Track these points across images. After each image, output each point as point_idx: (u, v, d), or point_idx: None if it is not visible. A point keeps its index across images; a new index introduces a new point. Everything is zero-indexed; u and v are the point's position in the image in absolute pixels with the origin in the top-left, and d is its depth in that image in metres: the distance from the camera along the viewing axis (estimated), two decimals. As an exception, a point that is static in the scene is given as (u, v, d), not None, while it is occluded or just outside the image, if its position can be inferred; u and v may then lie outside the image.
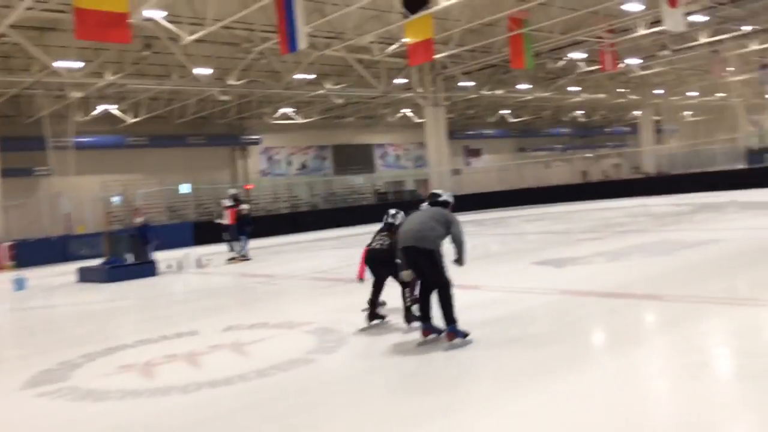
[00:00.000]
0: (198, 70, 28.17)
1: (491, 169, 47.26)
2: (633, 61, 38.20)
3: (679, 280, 9.26)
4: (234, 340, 7.78)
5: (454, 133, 46.36)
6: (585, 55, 35.90)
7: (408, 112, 46.18)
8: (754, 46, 35.68)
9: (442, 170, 37.15)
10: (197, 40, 23.76)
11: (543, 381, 5.30)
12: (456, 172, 41.42)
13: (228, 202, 19.18)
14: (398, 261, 6.98)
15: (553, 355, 5.99)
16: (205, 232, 27.31)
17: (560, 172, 48.39)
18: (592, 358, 6.02)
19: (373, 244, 7.62)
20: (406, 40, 24.24)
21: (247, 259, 18.63)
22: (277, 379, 5.99)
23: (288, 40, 19.10)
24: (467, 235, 7.08)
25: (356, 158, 46.62)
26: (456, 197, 7.75)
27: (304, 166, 44.70)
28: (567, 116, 57.64)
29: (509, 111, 52.02)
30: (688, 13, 27.04)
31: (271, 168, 43.31)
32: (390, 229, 7.62)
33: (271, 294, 11.99)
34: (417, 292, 7.06)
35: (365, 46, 29.36)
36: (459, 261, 6.68)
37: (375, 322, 7.74)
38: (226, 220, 19.01)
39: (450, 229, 6.64)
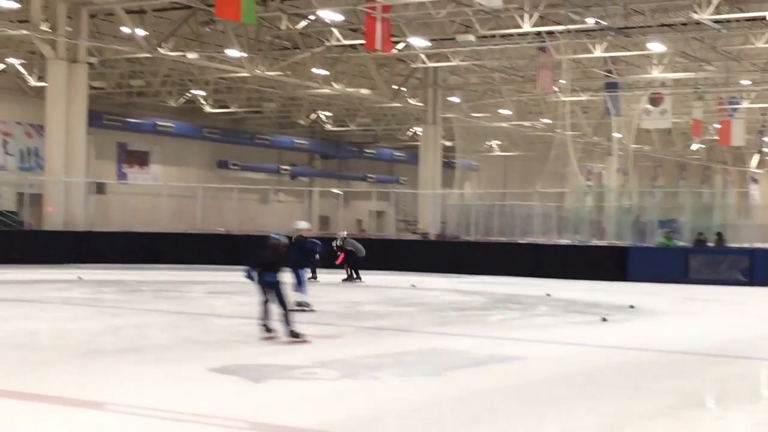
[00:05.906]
0: None
1: (162, 189, 28.76)
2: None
3: (447, 421, 6.14)
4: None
5: (101, 117, 30.71)
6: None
7: (17, 64, 28.68)
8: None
9: (76, 181, 22.86)
10: None
11: None
12: (99, 189, 26.91)
13: None
14: None
15: None
16: None
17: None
18: None
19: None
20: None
21: None
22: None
23: None
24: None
25: None
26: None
27: None
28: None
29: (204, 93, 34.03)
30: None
31: None
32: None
33: None
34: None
35: None
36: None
37: None
38: None
39: None
